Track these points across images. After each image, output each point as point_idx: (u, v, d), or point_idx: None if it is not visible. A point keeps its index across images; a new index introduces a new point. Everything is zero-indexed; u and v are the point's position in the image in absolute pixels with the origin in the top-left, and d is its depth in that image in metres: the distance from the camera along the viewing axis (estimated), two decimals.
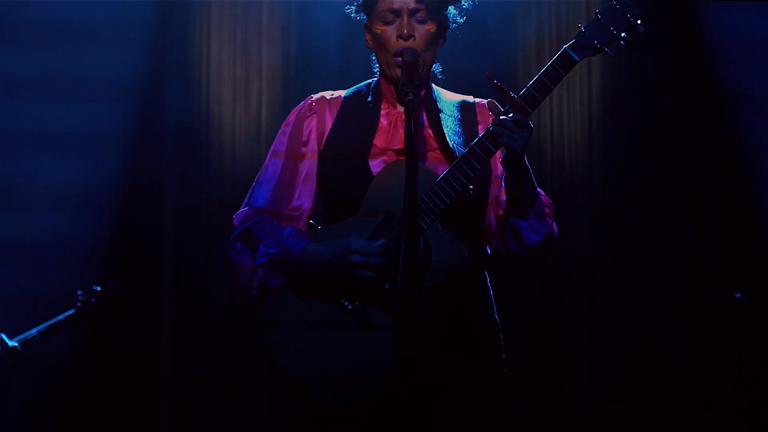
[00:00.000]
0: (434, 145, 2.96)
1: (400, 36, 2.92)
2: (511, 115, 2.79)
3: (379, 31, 2.96)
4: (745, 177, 5.20)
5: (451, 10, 3.03)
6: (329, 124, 3.04)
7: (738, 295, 4.92)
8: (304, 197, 3.02)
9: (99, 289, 4.67)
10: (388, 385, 2.70)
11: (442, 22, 3.00)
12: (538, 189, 2.95)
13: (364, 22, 3.05)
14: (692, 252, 5.21)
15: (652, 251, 5.22)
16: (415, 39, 2.92)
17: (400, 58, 2.90)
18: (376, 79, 3.09)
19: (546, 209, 2.94)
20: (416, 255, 2.58)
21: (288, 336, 2.88)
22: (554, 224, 2.97)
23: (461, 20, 3.06)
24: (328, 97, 3.08)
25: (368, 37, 3.04)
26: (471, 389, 2.88)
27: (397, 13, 2.93)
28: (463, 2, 3.04)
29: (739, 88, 5.19)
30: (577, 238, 5.19)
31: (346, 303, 2.84)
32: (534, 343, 5.20)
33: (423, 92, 3.02)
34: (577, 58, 2.81)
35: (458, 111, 3.04)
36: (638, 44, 5.11)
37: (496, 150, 2.81)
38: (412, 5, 2.93)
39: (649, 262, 5.21)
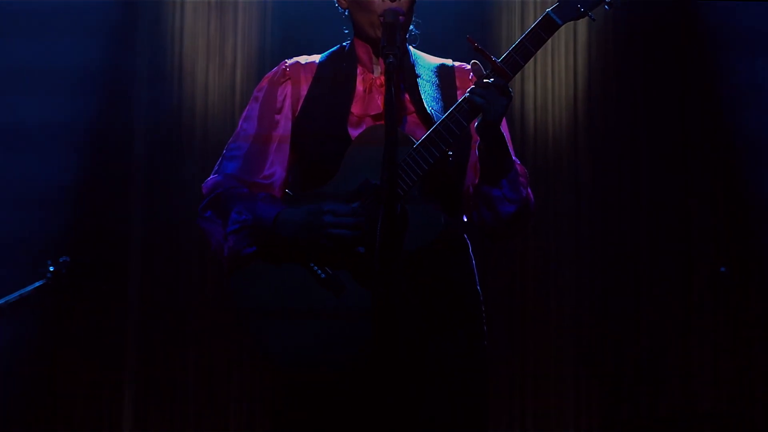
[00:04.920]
0: (411, 109, 2.91)
1: None
2: (492, 80, 2.74)
3: None
4: (734, 147, 5.17)
5: None
6: (304, 90, 2.98)
7: (723, 269, 4.90)
8: (276, 165, 2.97)
9: (68, 260, 4.60)
10: (362, 355, 2.70)
11: None
12: (514, 158, 2.91)
13: None
14: (681, 225, 5.18)
15: (640, 223, 5.18)
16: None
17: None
18: (349, 41, 3.02)
19: (521, 178, 2.89)
20: (393, 221, 2.52)
21: (260, 307, 2.83)
22: (530, 193, 2.93)
23: None
24: (302, 62, 3.02)
25: None
26: (451, 360, 2.84)
27: None
28: None
29: (731, 62, 5.16)
30: (561, 209, 5.14)
31: (319, 271, 2.79)
32: (515, 316, 5.16)
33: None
34: (560, 22, 2.77)
35: (436, 75, 2.98)
36: (627, 9, 5.07)
37: (476, 115, 2.77)
38: None
39: (637, 233, 5.18)
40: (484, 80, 2.74)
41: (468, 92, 2.75)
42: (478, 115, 2.76)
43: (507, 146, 2.84)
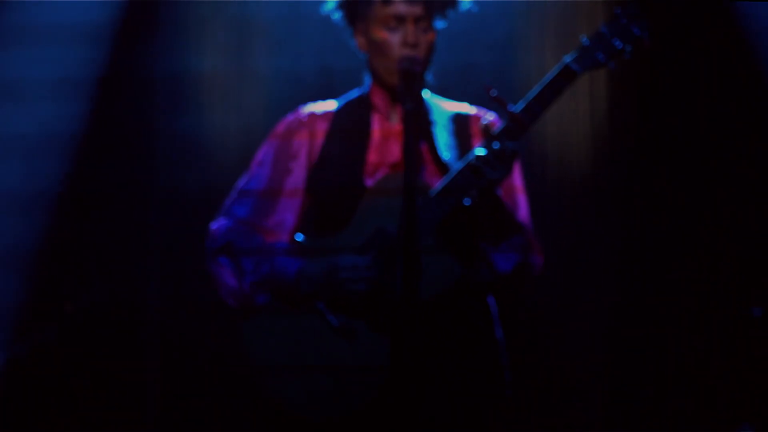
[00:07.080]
0: (429, 159, 2.89)
1: (405, 43, 2.84)
2: (497, 147, 2.69)
3: (380, 38, 2.88)
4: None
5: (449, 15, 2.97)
6: (320, 139, 2.97)
7: (758, 311, 4.83)
8: (287, 212, 2.96)
9: (88, 300, 4.58)
10: (375, 403, 2.68)
11: (438, 30, 2.93)
12: (528, 222, 2.92)
13: (346, 23, 2.98)
14: (702, 266, 5.10)
15: (659, 263, 5.12)
16: (419, 47, 2.85)
17: None
18: (366, 88, 3.01)
19: (522, 242, 2.86)
20: (414, 272, 2.46)
21: (273, 357, 2.82)
22: (536, 255, 2.91)
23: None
24: (318, 112, 3.02)
25: (362, 41, 2.96)
26: (466, 409, 2.81)
27: (402, 19, 2.86)
28: (461, 5, 2.99)
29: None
30: (581, 245, 5.08)
31: (332, 318, 2.77)
32: (530, 324, 5.08)
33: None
34: (579, 71, 2.75)
35: (452, 122, 2.96)
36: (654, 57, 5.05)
37: (479, 179, 2.73)
38: (419, 13, 2.86)
39: (656, 273, 5.12)
40: (492, 144, 2.70)
41: (471, 157, 2.72)
42: (480, 179, 2.71)
43: (507, 212, 2.82)
